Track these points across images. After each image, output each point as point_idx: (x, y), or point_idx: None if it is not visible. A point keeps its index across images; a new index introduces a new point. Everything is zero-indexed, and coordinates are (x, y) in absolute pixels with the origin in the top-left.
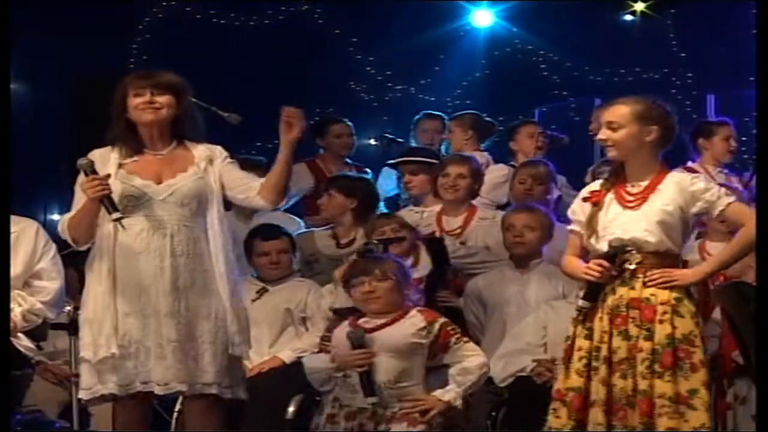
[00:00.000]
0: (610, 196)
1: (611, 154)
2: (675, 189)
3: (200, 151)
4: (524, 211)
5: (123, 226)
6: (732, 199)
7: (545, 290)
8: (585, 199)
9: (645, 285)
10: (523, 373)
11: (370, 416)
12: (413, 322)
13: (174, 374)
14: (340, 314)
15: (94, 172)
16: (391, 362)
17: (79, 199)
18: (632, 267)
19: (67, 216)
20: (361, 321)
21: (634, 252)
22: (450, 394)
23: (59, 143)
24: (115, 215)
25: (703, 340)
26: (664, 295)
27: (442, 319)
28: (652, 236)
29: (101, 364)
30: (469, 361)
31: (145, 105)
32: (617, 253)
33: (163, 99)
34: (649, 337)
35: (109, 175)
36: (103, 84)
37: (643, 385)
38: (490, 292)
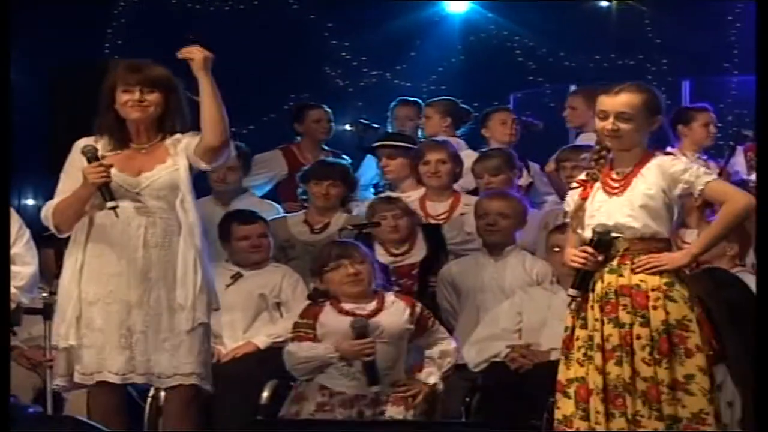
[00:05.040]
0: (597, 185)
1: (615, 144)
2: (657, 172)
3: (174, 140)
4: (498, 198)
5: (117, 215)
6: (712, 177)
7: (519, 276)
8: (573, 189)
9: (633, 271)
10: (498, 359)
11: (369, 403)
12: (399, 307)
13: (136, 365)
14: (314, 299)
15: (97, 158)
16: (389, 348)
17: (67, 184)
18: (619, 253)
19: (53, 202)
20: (349, 307)
21: (620, 238)
22: (433, 377)
23: (33, 128)
24: (111, 203)
25: (700, 324)
26: (654, 280)
27: (419, 303)
28: (636, 221)
29: (67, 353)
30: (445, 344)
31: (134, 103)
32: (601, 239)
33: (152, 97)
34: (646, 323)
35: (112, 164)
36: (78, 69)
37: (648, 372)
38: (463, 278)
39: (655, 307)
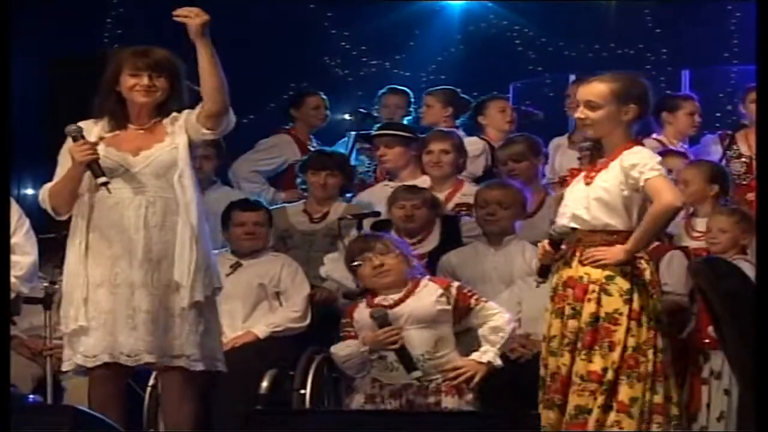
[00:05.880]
0: (582, 174)
1: (588, 132)
2: (618, 165)
3: (172, 118)
4: (497, 188)
5: (110, 191)
6: (653, 174)
7: (519, 266)
8: (564, 178)
9: (581, 263)
10: None
11: (416, 391)
12: (430, 290)
13: (144, 346)
14: (350, 298)
15: (83, 137)
16: (423, 333)
17: (63, 167)
18: (564, 247)
19: (49, 185)
20: (377, 299)
21: (576, 229)
22: (488, 354)
23: (32, 117)
24: (102, 179)
25: (632, 319)
26: (596, 273)
27: (457, 283)
28: (587, 213)
29: (74, 336)
30: (495, 318)
31: (142, 87)
32: (554, 239)
33: (160, 82)
34: (574, 316)
35: (97, 142)
36: (77, 59)
37: (564, 361)
38: (463, 268)
39: (589, 300)
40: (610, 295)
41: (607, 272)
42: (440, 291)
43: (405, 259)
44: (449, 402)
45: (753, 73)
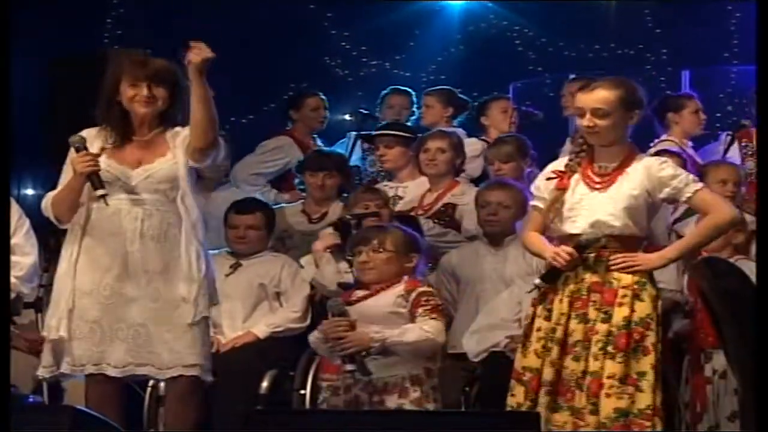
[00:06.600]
0: (576, 177)
1: (594, 140)
2: (643, 173)
3: (174, 133)
4: (498, 188)
5: (107, 203)
6: (699, 186)
7: (519, 266)
8: (549, 179)
9: (608, 268)
10: (497, 349)
11: (363, 388)
12: (395, 291)
13: (135, 358)
14: (343, 288)
15: (86, 148)
16: (372, 330)
17: (67, 176)
18: (592, 254)
19: (52, 193)
20: (358, 293)
21: (600, 237)
22: (378, 331)
23: (32, 117)
24: (100, 192)
25: (658, 324)
26: (626, 279)
27: (422, 288)
28: (617, 220)
29: (55, 344)
30: (420, 329)
31: (142, 98)
32: (588, 245)
33: (159, 92)
34: (606, 320)
35: (99, 153)
36: (78, 59)
37: (594, 366)
38: (463, 268)
39: (620, 304)
40: (642, 300)
41: (637, 278)
42: (401, 293)
43: (398, 258)
44: (391, 402)
45: (753, 73)
